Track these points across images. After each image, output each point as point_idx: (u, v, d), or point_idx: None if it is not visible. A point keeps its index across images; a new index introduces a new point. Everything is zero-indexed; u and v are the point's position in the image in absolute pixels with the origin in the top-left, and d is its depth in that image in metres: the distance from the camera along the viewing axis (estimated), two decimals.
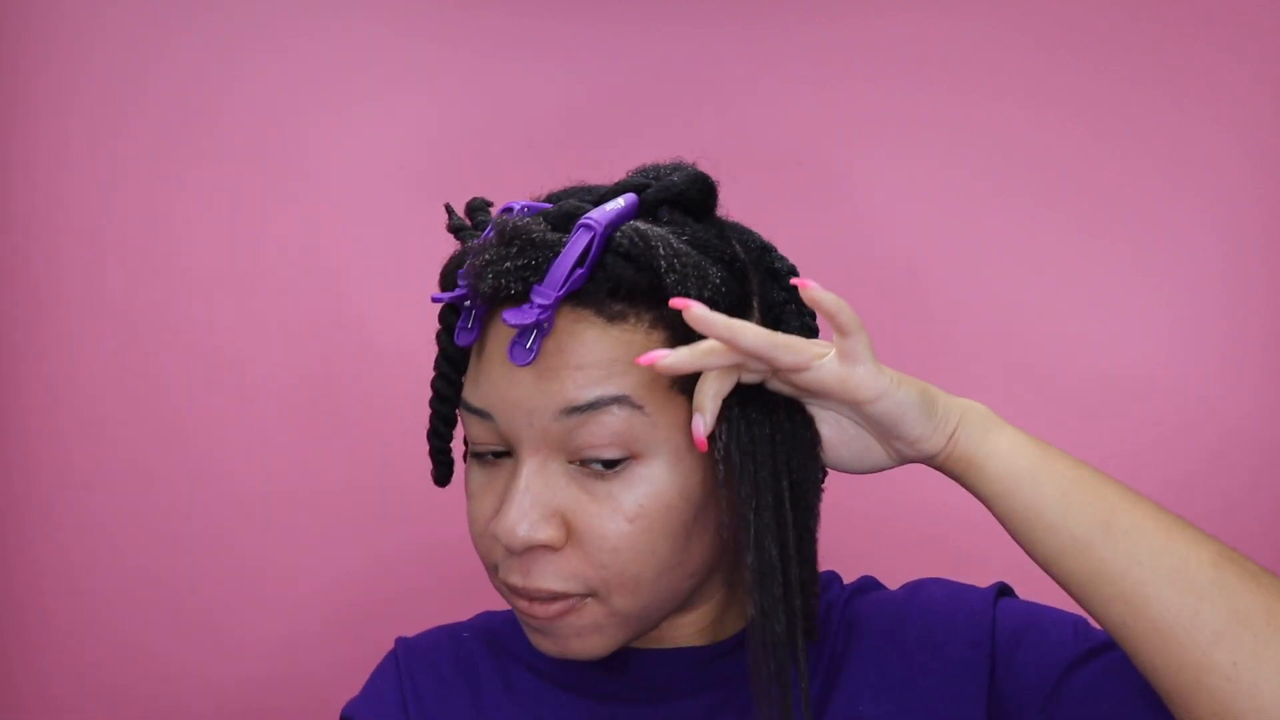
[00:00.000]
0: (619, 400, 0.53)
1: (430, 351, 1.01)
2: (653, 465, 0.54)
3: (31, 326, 1.00)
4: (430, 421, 0.62)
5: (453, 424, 0.62)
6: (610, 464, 0.54)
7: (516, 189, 1.01)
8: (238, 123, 1.03)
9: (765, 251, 0.61)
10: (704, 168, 1.05)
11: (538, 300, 0.52)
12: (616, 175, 1.05)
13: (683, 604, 0.61)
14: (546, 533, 0.54)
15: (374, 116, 1.04)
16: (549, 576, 0.55)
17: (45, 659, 1.00)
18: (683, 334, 0.55)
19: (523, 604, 0.56)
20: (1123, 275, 1.02)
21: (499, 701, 0.64)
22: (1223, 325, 1.01)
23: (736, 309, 0.56)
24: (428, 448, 0.64)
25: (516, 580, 0.55)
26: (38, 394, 1.00)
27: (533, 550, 0.55)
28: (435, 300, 0.58)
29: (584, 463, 0.54)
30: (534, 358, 0.54)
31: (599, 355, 0.53)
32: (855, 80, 1.04)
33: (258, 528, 1.01)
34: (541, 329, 0.53)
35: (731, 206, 1.05)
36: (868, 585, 0.69)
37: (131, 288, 1.01)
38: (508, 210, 0.57)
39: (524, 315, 0.52)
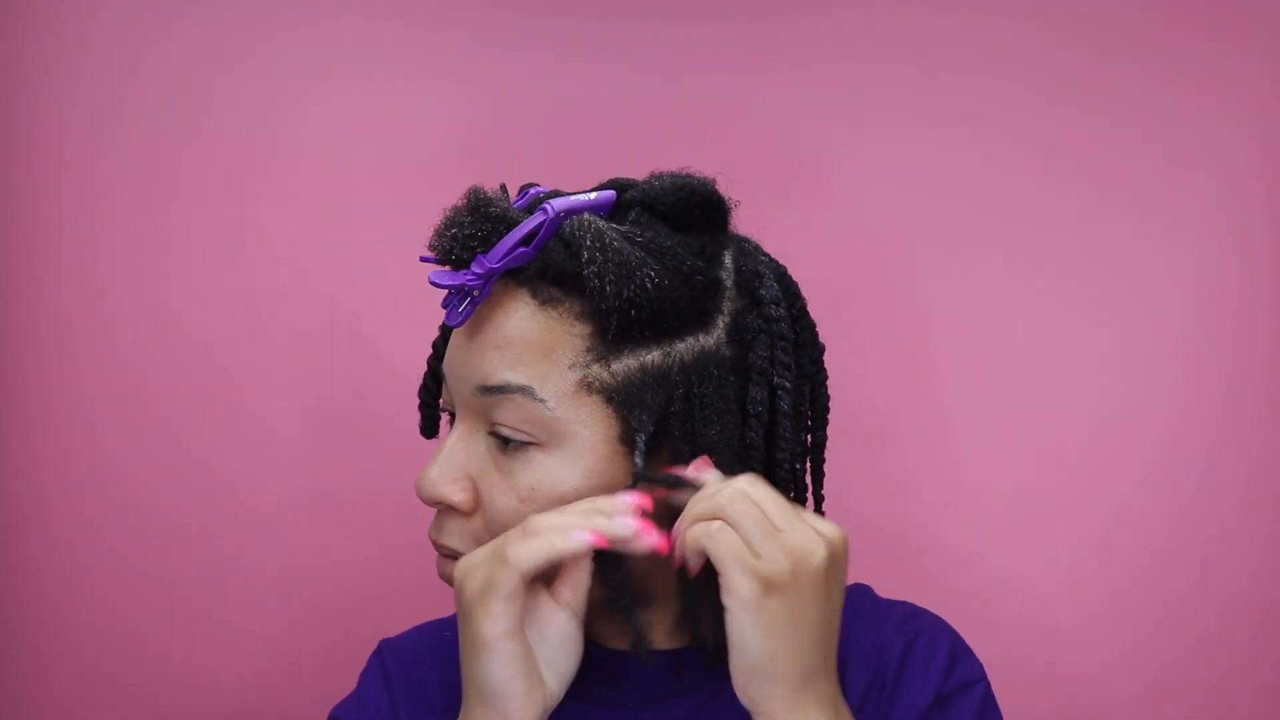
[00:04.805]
0: (522, 390, 0.55)
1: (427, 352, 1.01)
2: (553, 455, 0.56)
3: (28, 329, 1.01)
4: (424, 377, 0.67)
5: (441, 380, 0.65)
6: (514, 442, 0.56)
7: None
8: (234, 124, 1.02)
9: (757, 277, 0.59)
10: (717, 174, 1.04)
11: (474, 268, 0.54)
12: (625, 173, 1.04)
13: None
14: (454, 494, 0.57)
15: (374, 115, 1.04)
16: (454, 536, 0.58)
17: (50, 659, 1.00)
18: (601, 330, 0.55)
19: (438, 560, 0.60)
20: (1132, 268, 1.00)
21: None
22: (1233, 317, 0.99)
23: (678, 317, 0.56)
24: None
25: (433, 534, 0.59)
26: (35, 397, 1.01)
27: (448, 509, 0.58)
28: (422, 260, 0.61)
29: (498, 436, 0.56)
30: (463, 321, 0.56)
31: (520, 336, 0.55)
32: (879, 69, 1.03)
33: (255, 527, 1.01)
34: (471, 295, 0.55)
35: (757, 207, 1.03)
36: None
37: (127, 290, 1.01)
38: (523, 192, 0.60)
39: (451, 278, 0.55)
